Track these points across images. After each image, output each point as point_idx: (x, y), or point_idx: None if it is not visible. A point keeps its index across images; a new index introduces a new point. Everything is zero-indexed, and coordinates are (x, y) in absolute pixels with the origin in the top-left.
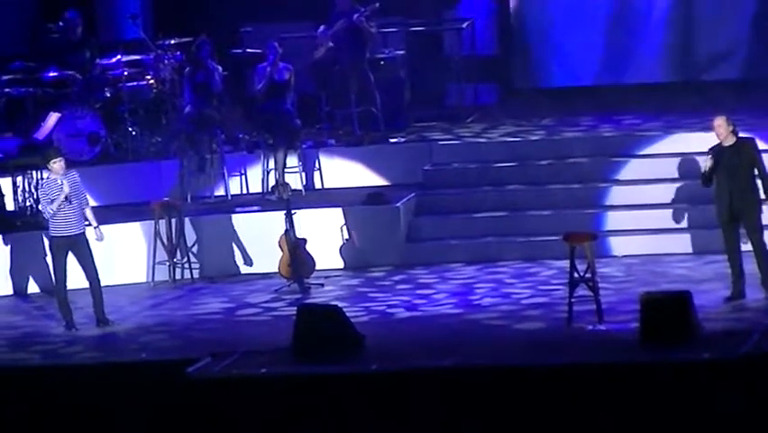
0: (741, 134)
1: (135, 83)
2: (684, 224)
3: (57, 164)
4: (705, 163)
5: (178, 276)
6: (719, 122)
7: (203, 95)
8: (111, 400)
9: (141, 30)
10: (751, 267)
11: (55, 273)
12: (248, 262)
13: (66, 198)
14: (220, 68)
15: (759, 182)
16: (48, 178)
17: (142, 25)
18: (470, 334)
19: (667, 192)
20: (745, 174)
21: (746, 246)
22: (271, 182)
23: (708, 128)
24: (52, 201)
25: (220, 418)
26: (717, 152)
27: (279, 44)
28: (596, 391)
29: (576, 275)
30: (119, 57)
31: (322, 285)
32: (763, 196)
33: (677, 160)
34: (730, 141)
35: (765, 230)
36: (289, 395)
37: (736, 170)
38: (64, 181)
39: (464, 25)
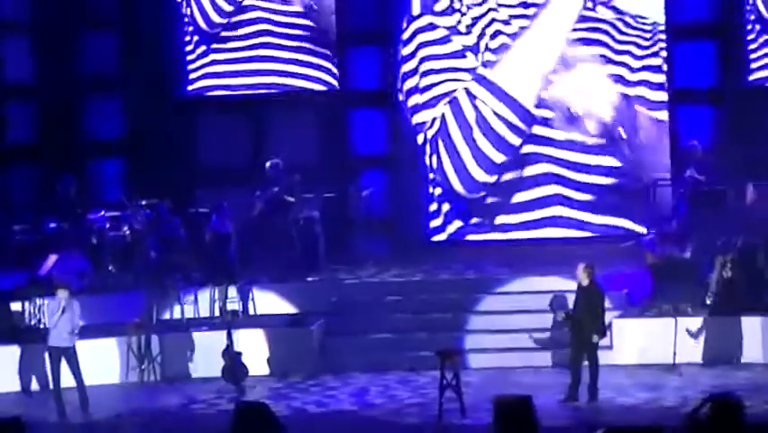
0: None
1: (115, 233)
2: (529, 344)
3: (62, 292)
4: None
5: (145, 378)
6: (579, 268)
7: (165, 243)
8: None
9: (120, 194)
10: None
11: (51, 375)
12: (197, 368)
13: (62, 311)
14: (179, 223)
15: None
16: (50, 300)
17: (122, 190)
18: (366, 425)
19: (517, 321)
20: (591, 310)
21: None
22: (216, 309)
23: (544, 273)
24: (52, 316)
25: None
26: (577, 288)
27: (226, 205)
28: None
29: (445, 382)
30: (103, 213)
31: (254, 387)
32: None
33: (522, 296)
34: (585, 282)
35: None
36: None
37: (585, 306)
38: (61, 302)
39: (364, 193)
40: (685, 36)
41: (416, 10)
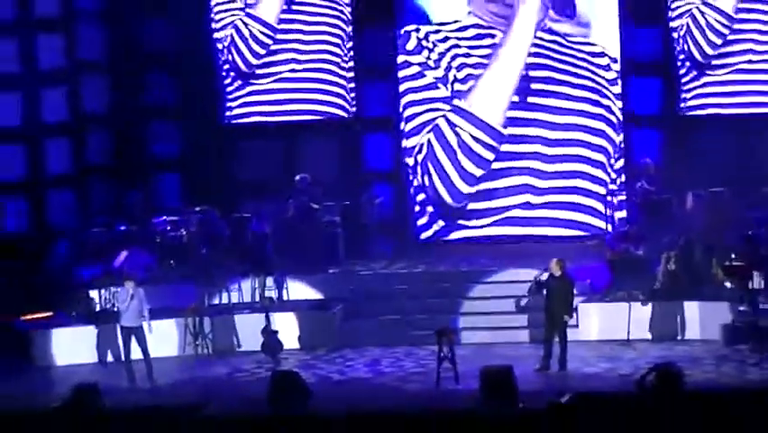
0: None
1: (174, 234)
2: (514, 323)
3: (129, 283)
4: (541, 275)
5: (199, 352)
6: (552, 262)
7: (214, 243)
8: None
9: (178, 202)
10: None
11: (123, 349)
12: (241, 344)
13: (131, 298)
14: (225, 226)
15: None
16: (121, 289)
17: (179, 199)
18: (377, 390)
19: (502, 304)
20: (562, 296)
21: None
22: (256, 296)
23: (524, 266)
24: (123, 302)
25: None
26: (549, 278)
27: (263, 211)
28: (458, 428)
29: (442, 355)
30: (164, 217)
31: (287, 359)
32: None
33: (506, 285)
34: (558, 273)
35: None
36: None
37: (557, 293)
38: (129, 290)
39: (376, 202)
40: (636, 72)
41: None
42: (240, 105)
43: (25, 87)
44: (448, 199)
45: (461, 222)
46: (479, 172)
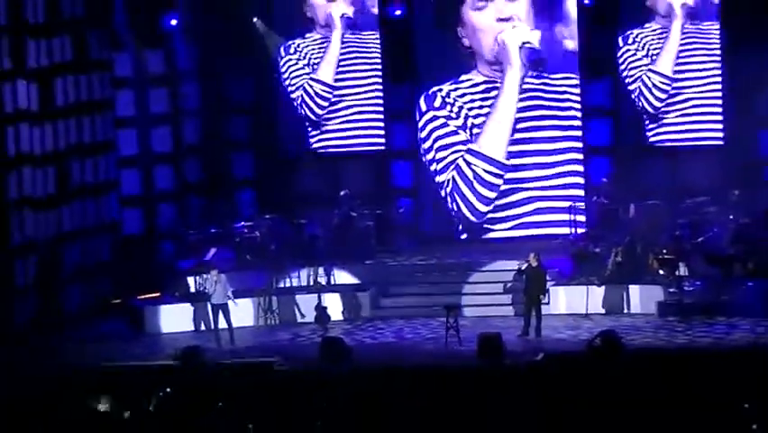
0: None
1: (249, 235)
2: (503, 301)
3: (214, 271)
4: (522, 265)
5: (268, 323)
6: (531, 255)
7: (279, 242)
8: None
9: (253, 211)
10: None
11: (213, 321)
12: (302, 315)
13: (217, 282)
14: (288, 229)
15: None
16: (210, 276)
17: (253, 209)
18: (400, 350)
19: (493, 287)
20: (538, 281)
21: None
22: (311, 281)
23: (510, 259)
24: (212, 286)
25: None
26: (528, 267)
27: (316, 218)
28: (460, 379)
29: (449, 324)
30: (242, 223)
31: (334, 328)
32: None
33: (496, 273)
34: (535, 264)
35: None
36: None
37: (534, 278)
38: (215, 277)
39: (400, 210)
40: (594, 114)
41: (423, 107)
42: (317, 141)
43: (140, 126)
44: (472, 218)
45: (486, 226)
46: (492, 195)
